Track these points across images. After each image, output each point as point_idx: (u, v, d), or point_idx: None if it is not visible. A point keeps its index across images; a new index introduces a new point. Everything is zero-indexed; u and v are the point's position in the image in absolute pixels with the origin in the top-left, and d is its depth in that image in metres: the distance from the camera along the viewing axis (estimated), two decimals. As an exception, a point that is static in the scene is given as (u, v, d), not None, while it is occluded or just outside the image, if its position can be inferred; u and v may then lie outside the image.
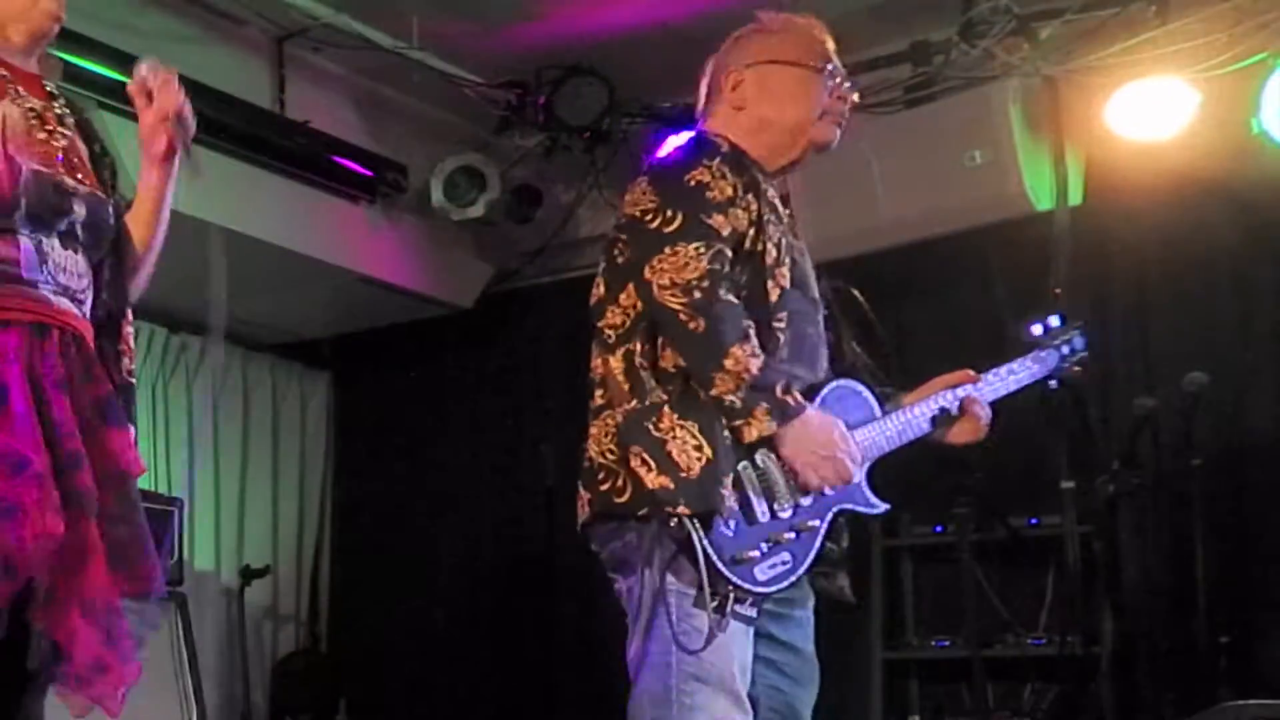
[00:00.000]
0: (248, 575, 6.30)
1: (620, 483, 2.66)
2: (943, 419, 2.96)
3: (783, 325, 2.74)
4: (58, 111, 2.55)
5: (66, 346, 2.42)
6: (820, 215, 5.24)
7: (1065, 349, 3.26)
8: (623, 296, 2.75)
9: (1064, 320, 3.28)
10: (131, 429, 2.52)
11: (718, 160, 2.73)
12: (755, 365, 2.60)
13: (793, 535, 2.69)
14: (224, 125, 5.26)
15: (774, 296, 2.73)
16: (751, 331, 2.64)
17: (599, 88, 5.70)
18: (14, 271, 2.37)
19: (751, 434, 2.62)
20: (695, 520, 2.57)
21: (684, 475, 2.58)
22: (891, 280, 5.01)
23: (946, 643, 5.20)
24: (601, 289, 2.82)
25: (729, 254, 2.66)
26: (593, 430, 2.76)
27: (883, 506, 2.84)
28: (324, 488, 7.03)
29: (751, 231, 2.72)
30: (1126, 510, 4.75)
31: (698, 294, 2.59)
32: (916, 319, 5.26)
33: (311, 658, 6.68)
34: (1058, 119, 5.05)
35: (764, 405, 2.60)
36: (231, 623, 6.23)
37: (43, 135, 2.48)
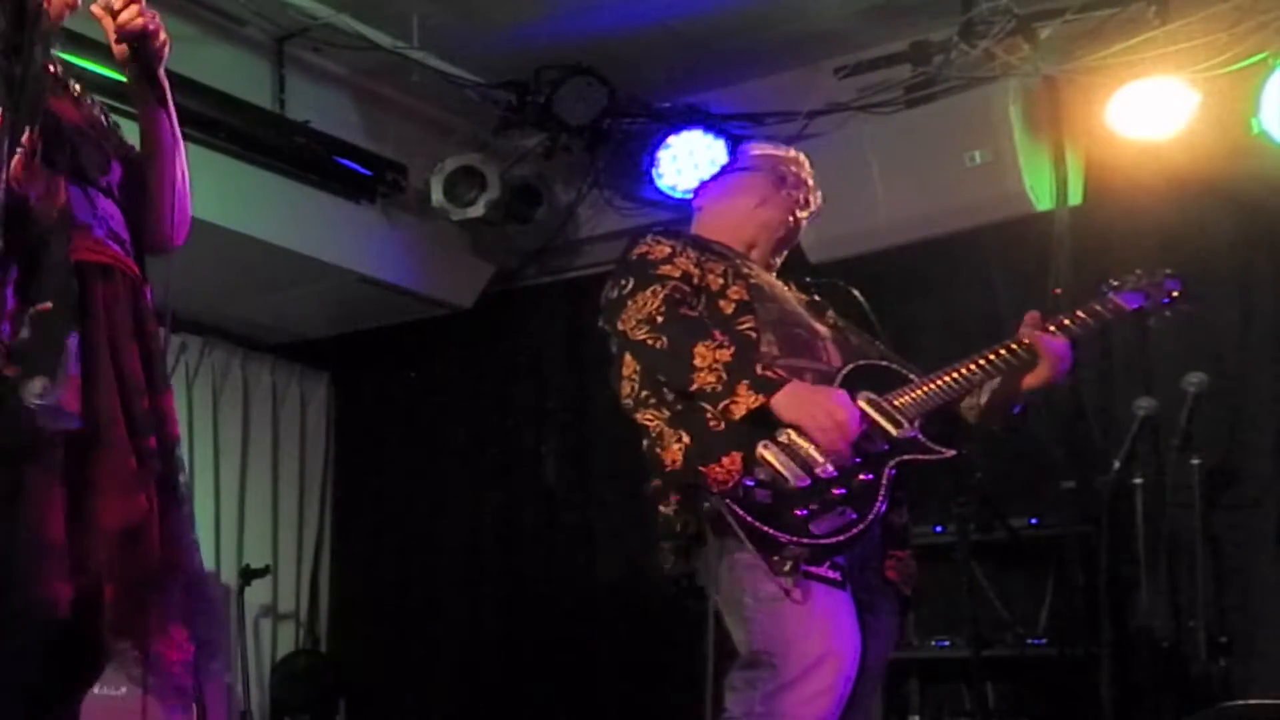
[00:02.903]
0: (248, 575, 6.31)
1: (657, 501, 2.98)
2: (1007, 365, 3.03)
3: (751, 326, 2.98)
4: (74, 76, 2.48)
5: (128, 291, 2.35)
6: (820, 215, 5.26)
7: (1155, 293, 3.16)
8: (624, 369, 3.09)
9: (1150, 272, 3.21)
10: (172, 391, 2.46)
11: (650, 236, 3.15)
12: (726, 354, 2.85)
13: (843, 491, 2.81)
14: (224, 125, 5.26)
15: (729, 310, 3.01)
16: (718, 333, 2.90)
17: (599, 88, 5.70)
18: (68, 213, 2.29)
19: (740, 409, 2.82)
20: (723, 498, 2.76)
21: (668, 470, 2.90)
22: (891, 280, 5.00)
23: (946, 643, 5.19)
24: (615, 378, 3.13)
25: (686, 288, 3.01)
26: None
27: (950, 451, 2.96)
28: (324, 488, 7.03)
29: (697, 270, 3.06)
30: (1126, 510, 4.75)
31: (659, 318, 2.93)
32: (916, 319, 5.25)
33: (311, 658, 6.68)
34: (1058, 119, 5.05)
35: (745, 382, 2.82)
36: (231, 623, 6.23)
37: (76, 96, 2.43)
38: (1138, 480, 4.68)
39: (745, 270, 3.11)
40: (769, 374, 2.85)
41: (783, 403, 2.81)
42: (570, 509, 6.13)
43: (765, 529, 2.75)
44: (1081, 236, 5.02)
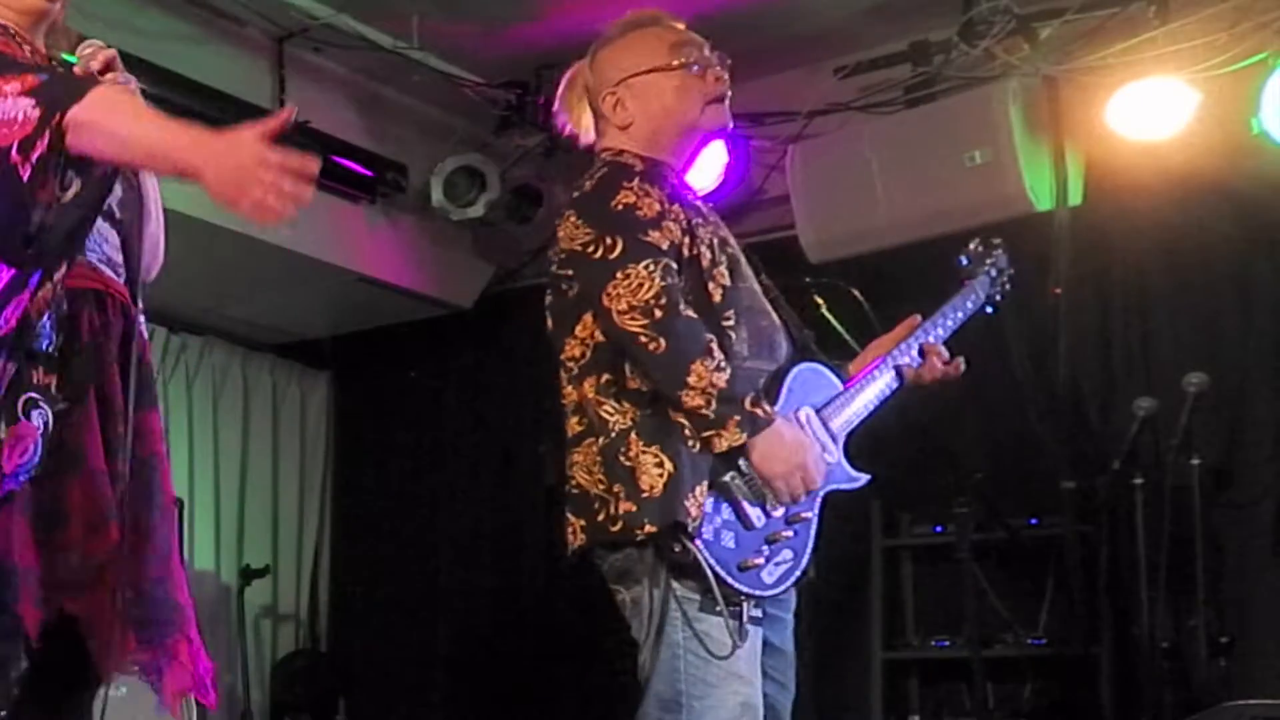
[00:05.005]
0: (248, 575, 6.31)
1: (614, 509, 2.72)
2: (907, 371, 3.03)
3: (733, 324, 2.79)
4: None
5: (118, 316, 2.40)
6: (820, 215, 5.27)
7: (992, 271, 3.26)
8: (578, 329, 2.86)
9: (984, 244, 3.28)
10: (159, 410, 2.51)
11: (636, 180, 2.80)
12: (721, 379, 2.66)
13: (790, 532, 2.76)
14: (224, 125, 5.25)
15: (717, 297, 2.78)
16: (714, 345, 2.69)
17: (599, 87, 5.70)
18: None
19: (722, 445, 2.67)
20: (692, 539, 2.64)
21: (645, 496, 2.66)
22: (891, 280, 5.00)
23: (946, 643, 5.20)
24: (551, 323, 2.93)
25: (674, 265, 2.73)
26: (577, 458, 2.82)
27: (864, 479, 2.90)
28: (324, 488, 7.03)
29: (686, 239, 2.78)
30: (1126, 510, 4.75)
31: (658, 312, 2.66)
32: (916, 319, 5.26)
33: (311, 658, 6.68)
34: (1058, 119, 5.05)
35: (736, 418, 2.66)
36: (231, 623, 6.23)
37: None
38: (1138, 480, 4.68)
39: (723, 232, 2.89)
40: (757, 411, 2.68)
41: (761, 452, 2.67)
42: (570, 509, 6.12)
43: (730, 582, 2.66)
44: (1081, 236, 5.02)
